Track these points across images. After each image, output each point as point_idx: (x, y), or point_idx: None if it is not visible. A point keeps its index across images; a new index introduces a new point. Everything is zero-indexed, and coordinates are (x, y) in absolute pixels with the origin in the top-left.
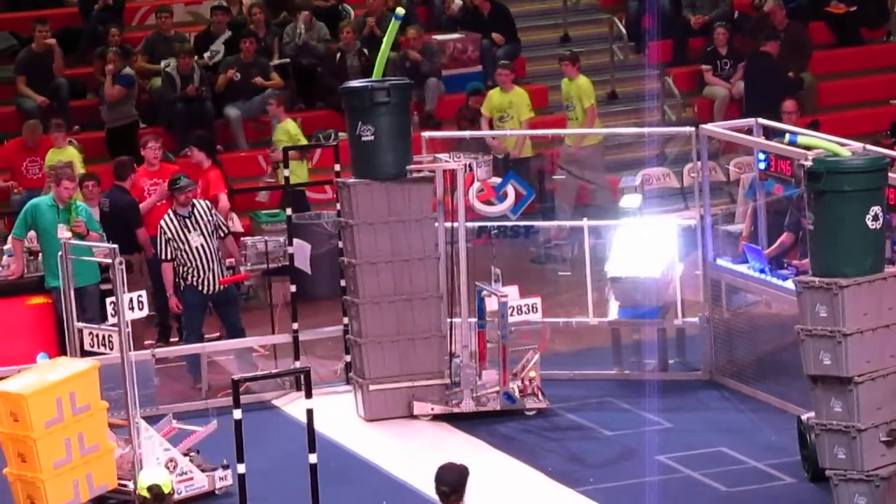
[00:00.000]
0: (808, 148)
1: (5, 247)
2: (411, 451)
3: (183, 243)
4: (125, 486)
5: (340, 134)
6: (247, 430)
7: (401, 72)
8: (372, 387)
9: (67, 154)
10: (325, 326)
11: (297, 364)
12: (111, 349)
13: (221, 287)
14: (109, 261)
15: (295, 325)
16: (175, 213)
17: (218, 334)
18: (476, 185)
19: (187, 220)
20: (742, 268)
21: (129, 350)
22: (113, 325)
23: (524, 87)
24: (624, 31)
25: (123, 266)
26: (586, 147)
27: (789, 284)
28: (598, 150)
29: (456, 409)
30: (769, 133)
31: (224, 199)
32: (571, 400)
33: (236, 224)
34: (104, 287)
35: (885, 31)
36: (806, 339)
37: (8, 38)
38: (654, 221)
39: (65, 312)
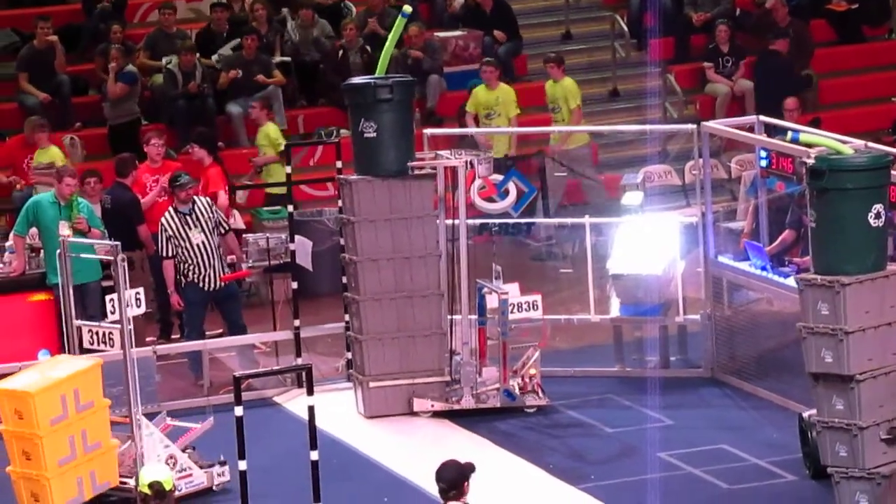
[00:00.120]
0: (809, 146)
1: (7, 243)
2: (412, 448)
3: (184, 240)
4: (126, 483)
5: (342, 131)
6: (248, 426)
7: (403, 69)
8: (372, 384)
9: (50, 154)
10: (327, 323)
11: (299, 361)
12: (112, 346)
13: (222, 283)
14: (110, 257)
15: (296, 322)
16: (176, 211)
17: (220, 331)
18: (478, 182)
19: (188, 218)
20: (743, 265)
21: (131, 347)
22: (113, 322)
23: (525, 84)
24: (626, 28)
25: (125, 263)
26: (576, 147)
27: (790, 282)
28: (584, 150)
29: (456, 406)
30: (771, 130)
31: (223, 197)
32: (573, 397)
33: (238, 221)
34: (106, 284)
35: (887, 28)
36: (808, 337)
37: (10, 35)
38: (656, 219)
39: (63, 310)
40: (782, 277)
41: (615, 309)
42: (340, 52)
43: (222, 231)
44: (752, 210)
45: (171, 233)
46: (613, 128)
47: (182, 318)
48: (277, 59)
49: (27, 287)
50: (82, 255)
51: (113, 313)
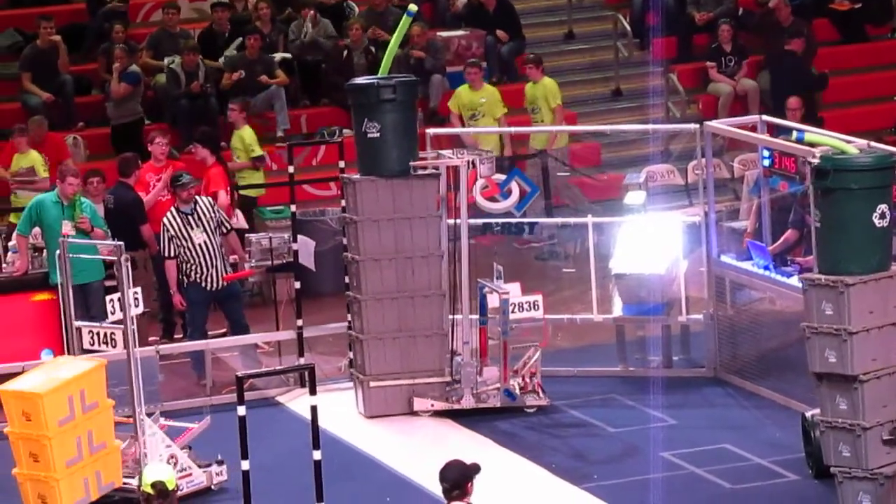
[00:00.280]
0: (812, 145)
1: (10, 243)
2: (415, 447)
3: (186, 240)
4: (128, 483)
5: (345, 130)
6: (251, 426)
7: (405, 68)
8: (372, 383)
9: (30, 159)
10: (330, 323)
11: (302, 361)
12: (114, 346)
13: (225, 283)
14: (113, 258)
15: (299, 322)
16: (178, 211)
17: (223, 330)
18: (480, 181)
19: (190, 217)
20: (746, 264)
21: (135, 347)
22: (114, 322)
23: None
24: (628, 27)
25: (129, 263)
26: (559, 148)
27: (793, 281)
28: (567, 150)
29: (456, 406)
30: (774, 130)
31: (223, 197)
32: (575, 396)
33: (241, 221)
34: (108, 283)
35: (890, 27)
36: (811, 337)
37: (13, 35)
38: (659, 218)
39: (63, 311)
40: (785, 277)
41: (618, 308)
42: (345, 53)
43: (224, 231)
44: (755, 209)
45: (173, 233)
46: (616, 127)
47: (184, 318)
48: (279, 57)
49: (30, 287)
50: (85, 255)
51: (113, 314)
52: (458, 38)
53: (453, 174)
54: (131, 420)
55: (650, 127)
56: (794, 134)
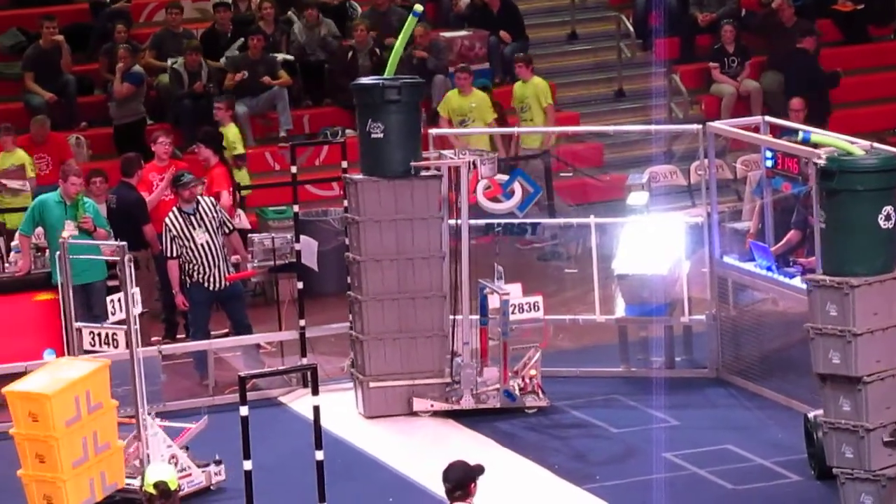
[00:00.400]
0: (816, 146)
1: (13, 243)
2: (417, 448)
3: (188, 240)
4: (129, 483)
5: (348, 131)
6: (253, 426)
7: (408, 69)
8: (372, 384)
9: (17, 157)
10: (332, 323)
11: (304, 361)
12: (116, 347)
13: (227, 283)
14: (116, 258)
15: (302, 322)
16: (180, 211)
17: (226, 331)
18: (483, 182)
19: (192, 217)
20: (749, 265)
21: (138, 347)
22: (115, 322)
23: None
24: (631, 28)
25: (132, 263)
26: (540, 147)
27: (796, 282)
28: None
29: (456, 407)
30: (776, 130)
31: (226, 197)
32: (578, 397)
33: (243, 221)
34: (111, 283)
35: (893, 28)
36: (816, 338)
37: (16, 35)
38: (661, 219)
39: (63, 312)
40: (787, 278)
41: (620, 309)
42: (350, 54)
43: (226, 231)
44: (758, 210)
45: (175, 233)
46: (619, 128)
47: (187, 319)
48: (281, 58)
49: (33, 287)
50: (88, 255)
51: (114, 314)
52: (462, 39)
53: (455, 175)
54: (132, 420)
55: (653, 128)
56: (800, 134)
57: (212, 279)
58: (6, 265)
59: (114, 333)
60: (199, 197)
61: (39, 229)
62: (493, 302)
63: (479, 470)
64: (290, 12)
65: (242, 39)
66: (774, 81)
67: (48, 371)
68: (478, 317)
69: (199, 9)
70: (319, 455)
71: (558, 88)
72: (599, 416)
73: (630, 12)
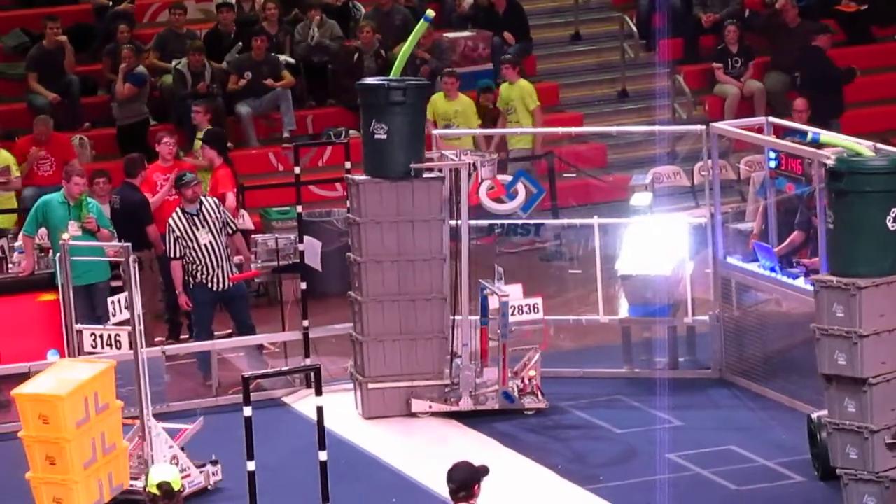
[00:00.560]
0: (821, 146)
1: (16, 244)
2: (420, 448)
3: (191, 241)
4: (133, 484)
5: (351, 131)
6: (257, 427)
7: (410, 69)
8: (371, 385)
9: (2, 158)
10: (336, 324)
11: (308, 361)
12: (118, 348)
13: (230, 284)
14: (119, 259)
15: (305, 323)
16: (183, 211)
17: (229, 331)
18: (486, 182)
19: (195, 218)
20: (752, 266)
21: (142, 347)
22: (117, 324)
23: (534, 85)
24: (635, 28)
25: (137, 264)
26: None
27: (799, 283)
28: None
29: (454, 408)
30: (780, 131)
31: (231, 198)
32: (581, 398)
33: (247, 221)
34: (114, 284)
35: None
36: (822, 339)
37: (19, 35)
38: (665, 219)
39: (63, 313)
40: (791, 279)
41: (624, 310)
42: (356, 56)
43: (230, 231)
44: (761, 211)
45: (178, 233)
46: (622, 129)
47: (190, 319)
48: (283, 59)
49: (36, 287)
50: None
51: (114, 315)
52: (465, 40)
53: (457, 175)
54: (133, 421)
55: (656, 128)
56: (809, 135)
57: (215, 280)
58: (10, 266)
59: (116, 335)
60: (202, 197)
61: (43, 230)
62: (494, 302)
63: (484, 471)
64: (293, 13)
65: (241, 44)
66: (778, 82)
67: (53, 373)
68: (478, 317)
69: (202, 9)
70: (323, 455)
71: (562, 89)
72: (603, 417)
73: (634, 13)
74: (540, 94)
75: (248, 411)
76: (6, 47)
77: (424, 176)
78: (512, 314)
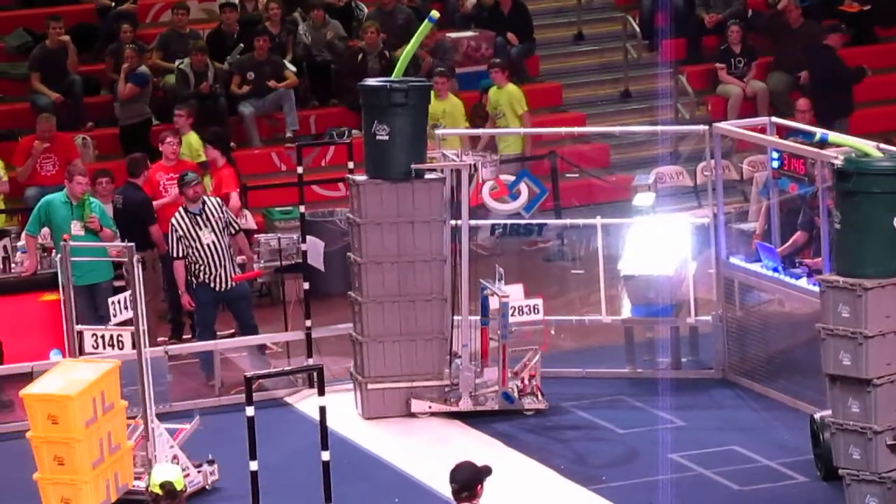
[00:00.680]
0: (824, 146)
1: (19, 243)
2: (423, 448)
3: (194, 241)
4: (135, 484)
5: (354, 131)
6: (259, 427)
7: (413, 69)
8: (370, 385)
9: None
10: (338, 324)
11: (310, 361)
12: (120, 348)
13: (233, 284)
14: (122, 259)
15: (308, 323)
16: (186, 211)
17: (232, 331)
18: (489, 182)
19: (198, 218)
20: (755, 266)
21: (145, 347)
22: (118, 324)
23: (538, 85)
24: (637, 29)
25: (140, 264)
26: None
27: (802, 283)
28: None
29: (454, 408)
30: (783, 131)
31: (235, 198)
32: (583, 398)
33: (249, 221)
34: (117, 284)
35: None
36: (826, 339)
37: (22, 35)
38: (668, 220)
39: (64, 314)
40: (794, 279)
41: (626, 310)
42: (360, 56)
43: (232, 231)
44: (764, 211)
45: (181, 233)
46: (625, 129)
47: (193, 319)
48: (288, 59)
49: (39, 287)
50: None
51: (115, 316)
52: (468, 40)
53: (459, 175)
54: (135, 421)
55: (659, 128)
56: (818, 135)
57: (218, 279)
58: (12, 265)
59: (119, 335)
60: (205, 197)
61: (46, 229)
62: (495, 303)
63: (487, 471)
64: (296, 13)
65: (242, 45)
66: (781, 82)
67: (58, 373)
68: (478, 318)
69: (205, 9)
70: (325, 455)
71: (565, 89)
72: (605, 417)
73: (636, 13)
74: (542, 95)
75: (250, 411)
76: (9, 47)
77: (425, 177)
78: (512, 315)
